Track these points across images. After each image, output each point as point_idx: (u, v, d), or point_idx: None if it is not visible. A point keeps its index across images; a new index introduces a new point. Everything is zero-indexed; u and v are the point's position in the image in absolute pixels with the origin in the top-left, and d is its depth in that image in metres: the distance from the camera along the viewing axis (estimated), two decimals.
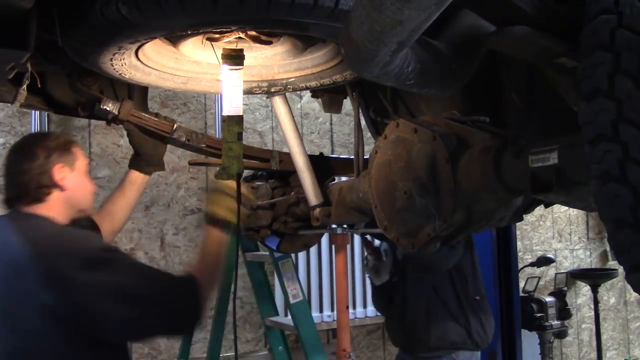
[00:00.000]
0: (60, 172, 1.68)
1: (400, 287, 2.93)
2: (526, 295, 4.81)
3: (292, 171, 2.37)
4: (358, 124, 2.27)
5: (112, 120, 2.01)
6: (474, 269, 2.93)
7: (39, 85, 1.76)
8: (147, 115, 2.06)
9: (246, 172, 2.45)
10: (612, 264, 5.74)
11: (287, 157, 2.40)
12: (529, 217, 5.22)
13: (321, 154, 2.50)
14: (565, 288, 5.15)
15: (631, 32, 1.00)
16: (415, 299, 2.85)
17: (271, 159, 2.42)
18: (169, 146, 2.24)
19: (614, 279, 5.50)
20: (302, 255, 3.94)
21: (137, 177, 2.16)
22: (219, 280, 1.74)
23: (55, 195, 1.68)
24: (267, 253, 3.11)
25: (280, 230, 2.55)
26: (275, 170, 2.45)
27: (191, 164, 2.50)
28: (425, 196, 1.64)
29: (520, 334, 4.13)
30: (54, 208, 1.68)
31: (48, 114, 3.34)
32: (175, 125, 2.11)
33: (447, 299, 2.82)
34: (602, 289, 5.64)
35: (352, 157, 2.34)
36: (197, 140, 2.18)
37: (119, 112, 1.98)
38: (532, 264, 5.02)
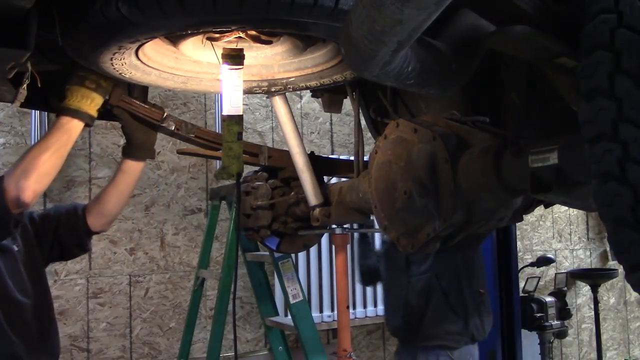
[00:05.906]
0: None
1: (400, 278, 2.91)
2: (526, 295, 4.81)
3: (281, 167, 2.39)
4: (358, 124, 2.26)
5: (103, 105, 2.01)
6: (480, 262, 2.93)
7: (39, 85, 1.76)
8: (137, 102, 2.07)
9: (247, 171, 2.44)
10: (612, 264, 5.75)
11: (276, 153, 2.40)
12: (529, 217, 5.23)
13: (312, 152, 2.47)
14: (565, 288, 5.15)
15: (631, 32, 1.00)
16: (415, 289, 2.84)
17: (260, 154, 2.41)
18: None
19: (614, 279, 5.51)
20: (302, 255, 3.94)
21: (129, 166, 2.19)
22: (52, 163, 1.84)
23: None
24: (267, 253, 3.11)
25: (280, 231, 2.55)
26: (273, 167, 2.44)
27: (179, 152, 2.48)
28: (425, 196, 1.64)
29: (520, 334, 4.14)
30: None
31: (48, 114, 3.35)
32: (165, 114, 2.12)
33: (449, 290, 2.81)
34: (602, 289, 5.64)
35: (345, 158, 2.33)
36: (186, 130, 2.18)
37: (109, 97, 1.98)
38: (532, 264, 5.02)
